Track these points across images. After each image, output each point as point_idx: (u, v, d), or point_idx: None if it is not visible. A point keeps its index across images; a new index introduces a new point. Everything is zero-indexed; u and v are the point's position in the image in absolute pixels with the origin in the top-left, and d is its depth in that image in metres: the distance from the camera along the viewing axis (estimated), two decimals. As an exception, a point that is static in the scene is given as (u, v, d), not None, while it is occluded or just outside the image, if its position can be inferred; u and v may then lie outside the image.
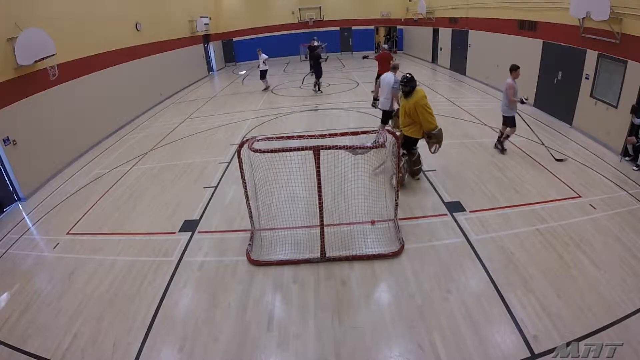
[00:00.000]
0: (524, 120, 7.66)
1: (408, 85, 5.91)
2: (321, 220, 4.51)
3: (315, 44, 16.05)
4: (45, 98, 8.05)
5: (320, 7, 24.32)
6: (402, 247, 4.75)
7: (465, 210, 5.52)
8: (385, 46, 13.86)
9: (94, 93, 9.97)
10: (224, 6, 23.62)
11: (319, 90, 13.87)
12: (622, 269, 4.18)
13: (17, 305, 4.31)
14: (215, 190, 6.73)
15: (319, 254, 4.63)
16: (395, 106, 7.14)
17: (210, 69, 21.42)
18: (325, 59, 14.19)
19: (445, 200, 5.83)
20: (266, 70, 14.91)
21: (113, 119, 10.98)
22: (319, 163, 4.39)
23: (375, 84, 8.61)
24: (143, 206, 6.39)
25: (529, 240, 4.76)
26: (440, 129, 6.00)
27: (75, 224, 6.01)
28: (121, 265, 4.84)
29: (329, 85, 15.37)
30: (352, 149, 5.20)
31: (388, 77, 7.17)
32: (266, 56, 14.58)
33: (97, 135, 10.06)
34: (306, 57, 17.79)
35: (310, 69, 14.54)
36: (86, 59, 9.80)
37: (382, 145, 4.37)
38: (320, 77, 13.75)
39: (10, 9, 7.22)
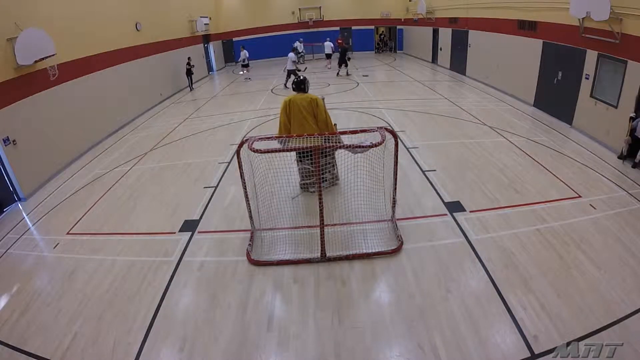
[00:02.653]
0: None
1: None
2: (321, 220, 4.51)
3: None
4: (45, 98, 8.05)
5: (320, 7, 24.31)
6: (401, 244, 4.75)
7: (465, 210, 5.52)
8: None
9: (94, 93, 9.96)
10: (224, 6, 23.62)
11: (347, 74, 17.08)
12: (622, 269, 4.18)
13: (17, 305, 4.31)
14: (215, 190, 6.72)
15: (319, 254, 4.63)
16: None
17: (210, 69, 21.42)
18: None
19: (445, 200, 5.83)
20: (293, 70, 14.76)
21: (113, 119, 10.98)
22: (319, 163, 4.39)
23: None
24: (143, 206, 6.39)
25: (529, 240, 4.76)
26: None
27: (75, 224, 6.01)
28: (121, 265, 4.84)
29: (329, 85, 15.37)
30: (351, 148, 5.20)
31: None
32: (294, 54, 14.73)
33: (97, 135, 10.06)
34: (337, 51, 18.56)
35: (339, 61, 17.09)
36: (86, 59, 9.79)
37: (381, 144, 4.37)
38: (345, 65, 17.00)
39: (10, 9, 7.21)
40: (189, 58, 16.42)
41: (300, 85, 5.92)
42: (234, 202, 6.18)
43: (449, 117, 10.04)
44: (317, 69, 19.81)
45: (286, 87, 15.02)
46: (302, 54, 22.32)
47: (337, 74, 17.30)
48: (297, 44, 22.06)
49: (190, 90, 16.68)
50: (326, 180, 6.22)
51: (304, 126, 5.65)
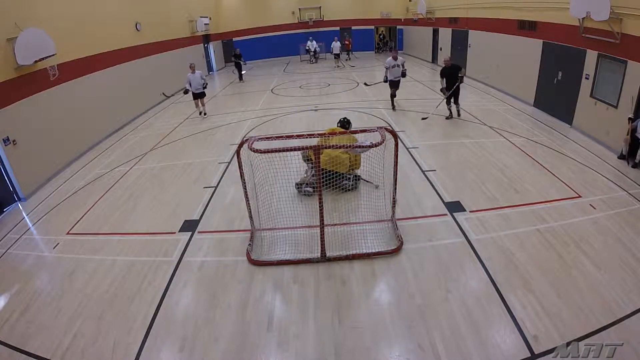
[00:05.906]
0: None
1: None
2: (321, 220, 4.51)
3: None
4: (45, 98, 8.05)
5: (320, 7, 24.33)
6: (401, 244, 4.75)
7: (465, 210, 5.52)
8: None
9: (94, 93, 9.96)
10: (224, 6, 23.63)
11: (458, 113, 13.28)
12: (622, 269, 4.18)
13: (17, 305, 4.31)
14: (215, 190, 6.72)
15: (319, 254, 4.63)
16: None
17: (210, 68, 21.41)
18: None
19: (445, 200, 5.83)
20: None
21: (113, 119, 10.97)
22: (319, 163, 4.39)
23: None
24: (143, 206, 6.39)
25: (529, 240, 4.76)
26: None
27: (75, 224, 6.01)
28: (121, 265, 4.84)
29: (329, 85, 15.38)
30: (351, 148, 5.21)
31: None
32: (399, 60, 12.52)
33: (97, 135, 10.06)
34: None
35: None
36: (86, 59, 9.79)
37: (381, 144, 4.37)
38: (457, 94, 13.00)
39: (10, 9, 7.21)
40: (235, 49, 16.68)
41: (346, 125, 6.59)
42: (234, 202, 6.18)
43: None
44: (318, 68, 19.81)
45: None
46: (318, 52, 22.37)
47: (452, 115, 11.28)
48: (309, 44, 21.96)
49: (240, 81, 17.56)
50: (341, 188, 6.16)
51: (336, 164, 5.73)
